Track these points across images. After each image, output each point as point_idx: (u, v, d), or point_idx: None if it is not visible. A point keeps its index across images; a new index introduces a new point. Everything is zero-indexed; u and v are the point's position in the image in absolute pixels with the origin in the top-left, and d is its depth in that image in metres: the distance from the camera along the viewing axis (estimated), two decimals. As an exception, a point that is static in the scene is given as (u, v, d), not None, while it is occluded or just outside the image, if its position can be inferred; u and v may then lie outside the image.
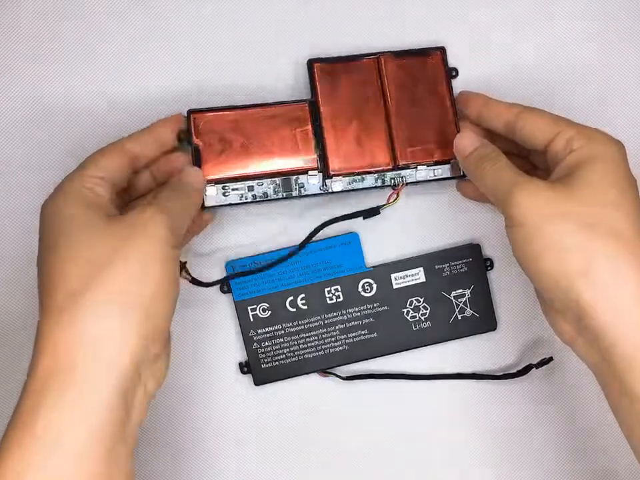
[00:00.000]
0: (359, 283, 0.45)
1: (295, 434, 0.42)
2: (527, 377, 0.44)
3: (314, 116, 0.47)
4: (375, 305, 0.45)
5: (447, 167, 0.48)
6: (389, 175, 0.48)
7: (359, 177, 0.48)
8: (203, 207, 0.45)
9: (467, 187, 0.50)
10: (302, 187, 0.47)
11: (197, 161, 0.45)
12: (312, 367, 0.44)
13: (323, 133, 0.47)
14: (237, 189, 0.46)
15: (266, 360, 0.44)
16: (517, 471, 0.44)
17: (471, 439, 0.44)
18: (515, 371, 0.44)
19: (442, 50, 0.49)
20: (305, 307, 0.45)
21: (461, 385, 0.44)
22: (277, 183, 0.47)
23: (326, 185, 0.47)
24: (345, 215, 0.48)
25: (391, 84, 0.48)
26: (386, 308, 0.45)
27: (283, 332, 0.44)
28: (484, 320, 0.45)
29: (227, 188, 0.46)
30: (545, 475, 0.44)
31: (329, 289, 0.45)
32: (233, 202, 0.46)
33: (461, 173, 0.48)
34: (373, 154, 0.47)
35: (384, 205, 0.48)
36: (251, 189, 0.46)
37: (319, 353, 0.44)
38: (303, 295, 0.45)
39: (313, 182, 0.47)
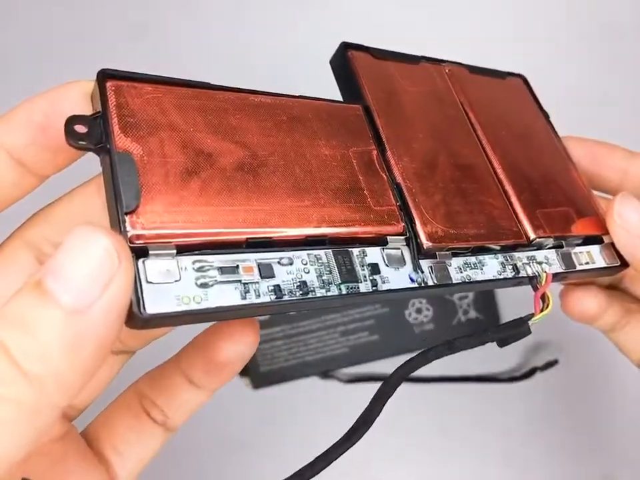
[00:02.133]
0: None
1: (295, 438, 0.40)
2: (531, 379, 0.43)
3: (374, 133, 0.22)
4: (376, 306, 0.42)
5: (598, 249, 0.26)
6: (519, 256, 0.24)
7: (474, 257, 0.22)
8: (136, 322, 0.15)
9: (585, 300, 0.28)
10: (376, 273, 0.20)
11: (126, 200, 0.16)
12: (312, 370, 0.41)
13: (393, 166, 0.22)
14: (231, 271, 0.17)
15: (265, 362, 0.41)
16: (522, 474, 0.43)
17: (476, 441, 0.42)
18: (519, 373, 0.43)
19: (523, 78, 0.30)
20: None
21: (464, 388, 0.43)
22: (324, 261, 0.19)
23: (421, 270, 0.20)
24: (454, 341, 0.21)
25: (474, 104, 0.26)
26: (387, 310, 0.42)
27: (282, 334, 0.41)
28: (488, 322, 0.43)
29: (205, 268, 0.17)
30: (550, 478, 0.43)
31: None
32: (223, 305, 0.16)
33: (617, 262, 0.26)
34: (490, 214, 0.23)
35: (531, 316, 0.22)
36: (267, 270, 0.18)
37: (319, 355, 0.41)
38: None
39: (395, 264, 0.20)
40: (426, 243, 0.21)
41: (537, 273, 0.23)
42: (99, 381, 0.21)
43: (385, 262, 0.20)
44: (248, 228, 0.17)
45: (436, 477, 0.43)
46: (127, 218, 0.16)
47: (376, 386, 0.42)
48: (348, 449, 0.19)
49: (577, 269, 0.25)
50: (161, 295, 0.16)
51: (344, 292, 0.18)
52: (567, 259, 0.24)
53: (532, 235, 0.24)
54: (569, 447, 0.43)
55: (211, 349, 0.20)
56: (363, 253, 0.20)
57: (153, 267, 0.16)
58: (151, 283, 0.16)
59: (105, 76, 0.17)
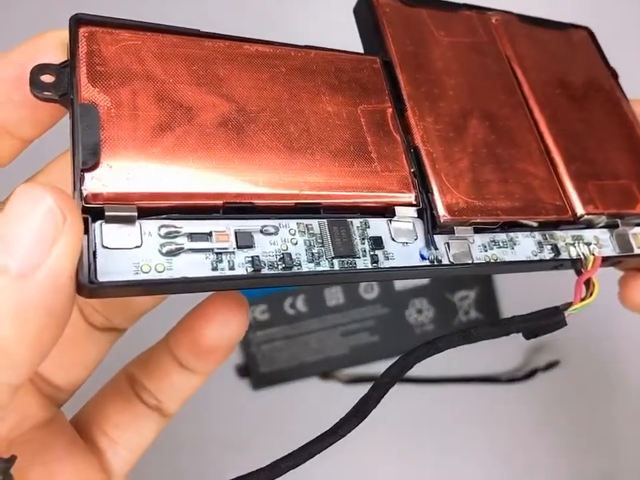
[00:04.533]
0: (360, 283, 0.41)
1: (295, 439, 0.31)
2: (532, 380, 0.42)
3: (393, 91, 0.20)
4: (377, 306, 0.41)
5: (663, 228, 0.22)
6: (562, 235, 0.20)
7: (504, 234, 0.19)
8: (84, 290, 0.14)
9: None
10: (378, 248, 0.17)
11: (83, 156, 0.14)
12: (312, 371, 0.40)
13: (413, 127, 0.19)
14: (203, 239, 0.15)
15: (265, 363, 0.40)
16: (523, 474, 0.42)
17: (476, 442, 0.42)
18: (520, 374, 0.42)
19: (588, 31, 0.26)
20: (305, 309, 0.40)
21: (465, 389, 0.42)
22: (315, 231, 0.17)
23: (435, 248, 0.18)
24: (476, 328, 0.18)
25: (523, 59, 0.23)
26: (388, 310, 0.41)
27: (282, 334, 0.40)
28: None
29: (173, 234, 0.15)
30: (551, 477, 0.42)
31: (329, 290, 0.40)
32: (189, 276, 0.15)
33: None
34: (528, 185, 0.20)
35: (568, 305, 0.19)
36: (245, 239, 0.16)
37: (319, 356, 0.41)
38: (302, 296, 0.40)
39: (403, 238, 0.18)
40: (443, 216, 0.18)
41: (582, 256, 0.20)
42: (86, 361, 0.20)
43: (391, 236, 0.17)
44: (226, 191, 0.16)
45: (436, 477, 0.42)
46: (85, 175, 0.14)
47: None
48: (336, 441, 0.17)
49: (634, 252, 0.21)
50: (117, 262, 0.14)
51: (336, 267, 0.16)
52: (622, 241, 0.21)
53: (580, 211, 0.20)
54: (570, 447, 0.43)
55: (197, 332, 0.18)
56: (365, 224, 0.17)
57: (110, 230, 0.14)
58: (106, 247, 0.14)
59: (78, 21, 0.16)
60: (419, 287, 0.42)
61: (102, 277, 0.14)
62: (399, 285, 0.42)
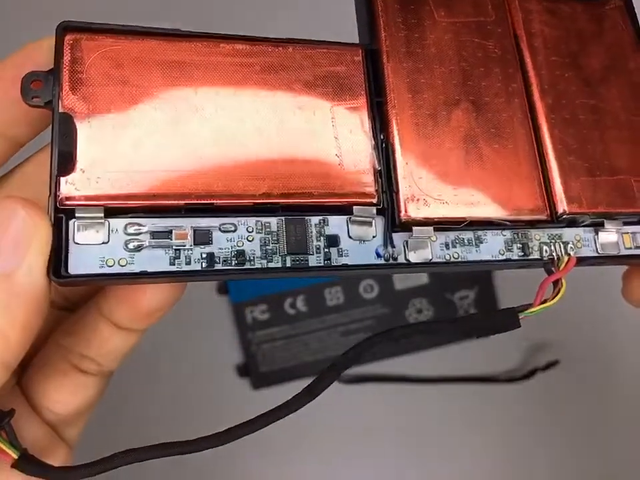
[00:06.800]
0: (360, 283, 0.42)
1: (294, 439, 0.41)
2: (532, 379, 0.42)
3: (373, 82, 0.20)
4: (377, 306, 0.42)
5: (661, 229, 0.21)
6: (537, 234, 0.20)
7: (472, 232, 0.20)
8: (60, 282, 0.16)
9: None
10: (332, 246, 0.18)
11: (58, 162, 0.17)
12: (312, 370, 0.40)
13: (390, 120, 0.19)
14: (163, 236, 0.17)
15: (265, 363, 0.41)
16: (522, 474, 0.42)
17: (475, 442, 0.42)
18: (520, 373, 0.43)
19: (625, 1, 0.24)
20: (305, 309, 0.41)
21: (464, 389, 0.43)
22: (272, 229, 0.18)
23: (392, 246, 0.19)
24: (433, 323, 0.19)
25: (533, 39, 0.22)
26: (388, 310, 0.42)
27: (282, 334, 0.41)
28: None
29: (137, 232, 0.17)
30: (550, 478, 0.42)
31: (329, 290, 0.41)
32: (148, 270, 0.17)
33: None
34: (507, 183, 0.20)
35: (527, 307, 0.20)
36: (202, 237, 0.17)
37: (319, 355, 0.41)
38: (302, 296, 0.41)
39: (360, 236, 0.19)
40: (404, 215, 0.19)
41: (555, 256, 0.20)
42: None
43: (348, 233, 0.18)
44: (187, 192, 0.17)
45: (435, 477, 0.42)
46: (60, 179, 0.16)
47: (377, 387, 0.42)
48: (285, 415, 0.19)
49: (620, 253, 0.20)
50: (86, 256, 0.16)
51: (288, 264, 0.18)
52: (606, 241, 0.20)
53: (561, 209, 0.20)
54: (569, 447, 0.43)
55: (133, 300, 0.19)
56: (324, 221, 0.18)
57: (79, 228, 0.17)
58: (77, 243, 0.17)
59: (64, 29, 0.17)
60: (418, 286, 0.42)
61: (72, 270, 0.16)
62: (399, 284, 0.42)
